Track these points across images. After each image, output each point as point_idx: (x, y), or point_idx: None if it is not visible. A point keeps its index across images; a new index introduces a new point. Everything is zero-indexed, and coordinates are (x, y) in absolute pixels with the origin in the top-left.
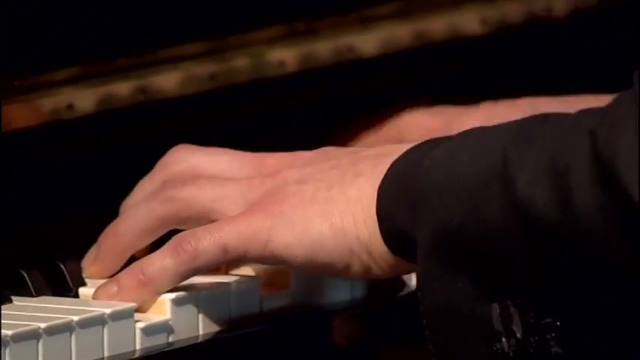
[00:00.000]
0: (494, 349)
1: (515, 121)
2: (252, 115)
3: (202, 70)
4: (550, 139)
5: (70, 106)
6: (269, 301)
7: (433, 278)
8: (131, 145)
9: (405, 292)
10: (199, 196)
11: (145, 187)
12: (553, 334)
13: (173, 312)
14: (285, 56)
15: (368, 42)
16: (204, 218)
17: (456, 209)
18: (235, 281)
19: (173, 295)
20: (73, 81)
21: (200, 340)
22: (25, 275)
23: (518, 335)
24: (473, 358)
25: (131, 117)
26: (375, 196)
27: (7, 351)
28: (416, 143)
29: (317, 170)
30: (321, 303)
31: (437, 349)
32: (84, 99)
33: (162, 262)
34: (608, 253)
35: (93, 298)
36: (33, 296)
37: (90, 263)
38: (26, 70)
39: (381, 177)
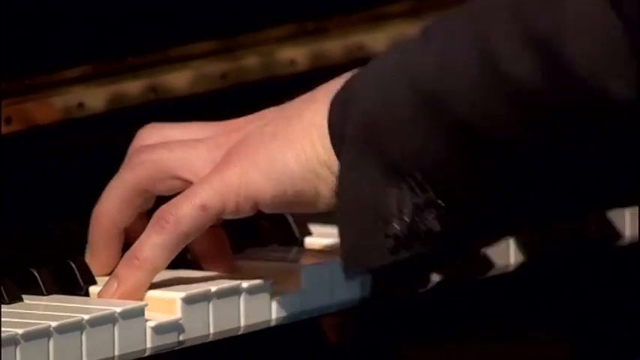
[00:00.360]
0: (389, 233)
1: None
2: None
3: (213, 68)
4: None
5: (81, 105)
6: (279, 299)
7: (350, 169)
8: None
9: (423, 289)
10: (170, 157)
11: (121, 166)
12: (433, 211)
13: (184, 311)
14: (295, 55)
15: (378, 40)
16: (176, 179)
17: (371, 99)
18: (246, 280)
19: (184, 294)
20: (84, 79)
21: (210, 339)
22: (36, 274)
23: (406, 218)
24: (374, 245)
25: (141, 115)
26: (328, 114)
27: (18, 349)
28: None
29: (276, 115)
30: (330, 302)
31: (344, 241)
32: (94, 97)
33: (149, 240)
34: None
35: (99, 297)
36: (44, 295)
37: (88, 260)
38: (37, 69)
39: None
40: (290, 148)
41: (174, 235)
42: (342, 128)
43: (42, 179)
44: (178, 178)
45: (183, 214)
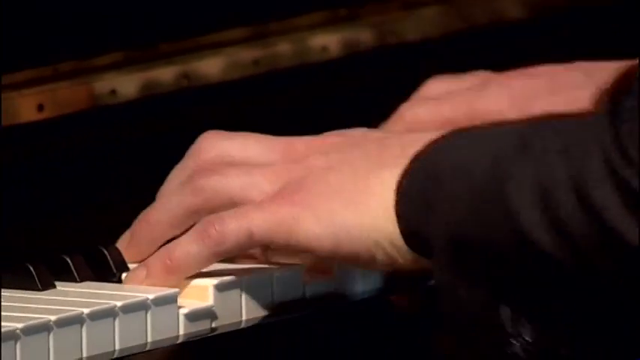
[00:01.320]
0: (508, 352)
1: (518, 129)
2: (295, 101)
3: (245, 55)
4: (542, 146)
5: (113, 92)
6: (312, 287)
7: (447, 283)
8: (173, 131)
9: None
10: (226, 184)
11: (176, 174)
12: (561, 337)
13: (216, 298)
14: (327, 41)
15: (411, 27)
16: (233, 206)
17: (463, 218)
18: (278, 267)
19: (216, 280)
20: (116, 66)
21: (243, 325)
22: (69, 261)
23: (527, 338)
24: (487, 356)
25: (174, 102)
26: (397, 195)
27: (51, 336)
28: (435, 136)
29: (343, 158)
30: (364, 289)
31: (453, 347)
32: (127, 84)
33: (187, 247)
34: (597, 272)
35: (124, 282)
36: (76, 282)
37: (123, 248)
38: (69, 56)
39: (402, 171)
40: (353, 209)
41: (213, 251)
42: (418, 226)
43: (74, 166)
44: (234, 204)
45: (229, 235)
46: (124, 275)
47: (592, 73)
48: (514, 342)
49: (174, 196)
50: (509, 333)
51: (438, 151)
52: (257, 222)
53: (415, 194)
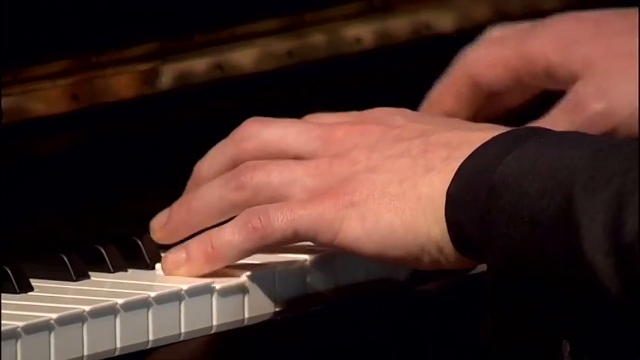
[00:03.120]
0: None
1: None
2: (328, 91)
3: (279, 46)
4: (616, 188)
5: (148, 81)
6: (345, 276)
7: (500, 302)
8: (208, 121)
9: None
10: (268, 181)
11: (216, 155)
12: None
13: (249, 290)
14: (361, 32)
15: (445, 19)
16: (274, 201)
17: (521, 242)
18: (311, 256)
19: (248, 272)
20: (150, 57)
21: (275, 316)
22: (103, 251)
23: None
24: None
25: (208, 93)
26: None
27: (85, 326)
28: (486, 139)
29: (386, 157)
30: (397, 278)
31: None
32: (162, 74)
33: (231, 237)
34: None
35: (162, 261)
36: (110, 272)
37: (158, 228)
38: (104, 46)
39: (451, 176)
40: (400, 214)
41: (256, 243)
42: (472, 235)
43: (109, 158)
44: (276, 201)
45: (274, 230)
46: (157, 265)
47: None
48: None
49: (216, 189)
50: None
51: (488, 159)
52: (303, 220)
53: (467, 205)
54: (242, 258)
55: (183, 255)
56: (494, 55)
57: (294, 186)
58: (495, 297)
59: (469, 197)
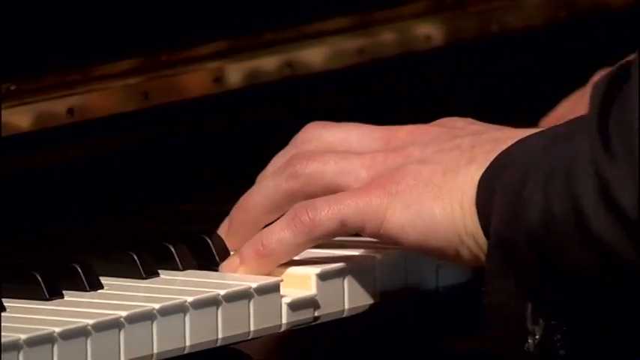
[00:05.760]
0: (525, 347)
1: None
2: (399, 90)
3: (349, 44)
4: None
5: (217, 80)
6: (415, 273)
7: (493, 275)
8: (277, 119)
9: None
10: (323, 171)
11: (277, 162)
12: (559, 337)
13: (319, 287)
14: (431, 30)
15: (515, 18)
16: (329, 192)
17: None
18: (381, 254)
19: (318, 269)
20: (220, 55)
21: (346, 314)
22: (172, 249)
23: (537, 336)
24: (514, 354)
25: (277, 91)
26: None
27: (155, 324)
28: (529, 133)
29: (438, 150)
30: (468, 277)
31: (492, 342)
32: (231, 73)
33: (280, 233)
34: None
35: (220, 270)
36: (180, 270)
37: (223, 235)
38: (173, 45)
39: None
40: (441, 204)
41: (305, 237)
42: (488, 217)
43: (179, 158)
44: (330, 191)
45: (321, 221)
46: None
47: None
48: (529, 340)
49: (270, 182)
50: (528, 330)
51: (518, 148)
52: (349, 209)
53: (491, 192)
54: (294, 254)
55: (238, 260)
56: None
57: (348, 176)
58: (491, 269)
59: (493, 185)
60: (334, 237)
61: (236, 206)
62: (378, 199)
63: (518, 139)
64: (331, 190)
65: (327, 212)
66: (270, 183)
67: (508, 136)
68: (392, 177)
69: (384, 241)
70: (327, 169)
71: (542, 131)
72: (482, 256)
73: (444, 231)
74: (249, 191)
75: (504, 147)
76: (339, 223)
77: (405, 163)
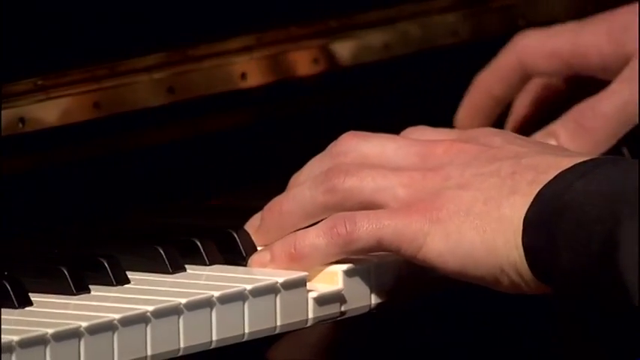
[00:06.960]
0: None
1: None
2: (425, 84)
3: (376, 39)
4: None
5: (243, 75)
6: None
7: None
8: (304, 115)
9: None
10: (361, 187)
11: (313, 168)
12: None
13: (345, 282)
14: (457, 25)
15: (539, 13)
16: (365, 208)
17: (575, 265)
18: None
19: (345, 266)
20: (247, 50)
21: (372, 309)
22: (199, 244)
23: None
24: None
25: (306, 87)
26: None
27: (181, 319)
28: (571, 164)
29: (477, 175)
30: None
31: None
32: (257, 68)
33: (315, 240)
34: None
35: (249, 264)
36: (206, 265)
37: (252, 231)
38: (199, 39)
39: (531, 200)
40: (482, 235)
41: (339, 249)
42: (545, 262)
43: (205, 150)
44: (366, 207)
45: (359, 237)
46: None
47: None
48: None
49: (308, 190)
50: None
51: (564, 186)
52: (388, 230)
53: (540, 231)
54: (325, 262)
55: (268, 256)
56: (551, 46)
57: (385, 194)
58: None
59: (541, 222)
60: (367, 253)
61: (268, 207)
62: (418, 224)
63: (559, 170)
64: (367, 207)
65: (366, 229)
66: (307, 192)
67: (549, 165)
68: (432, 203)
69: (420, 265)
70: (365, 185)
71: (579, 164)
72: (524, 287)
73: (484, 261)
74: (285, 195)
75: (546, 177)
76: (376, 242)
77: (444, 187)
